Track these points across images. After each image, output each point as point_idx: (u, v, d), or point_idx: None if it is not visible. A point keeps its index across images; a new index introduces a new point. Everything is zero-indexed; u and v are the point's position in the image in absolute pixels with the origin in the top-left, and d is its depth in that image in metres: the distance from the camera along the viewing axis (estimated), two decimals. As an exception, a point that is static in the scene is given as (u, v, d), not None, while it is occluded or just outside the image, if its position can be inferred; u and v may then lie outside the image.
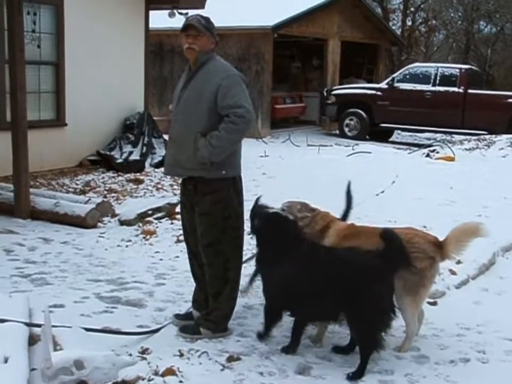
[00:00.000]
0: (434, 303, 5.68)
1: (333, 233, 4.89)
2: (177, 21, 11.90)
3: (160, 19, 14.55)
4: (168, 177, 10.44)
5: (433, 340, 4.97)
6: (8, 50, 8.52)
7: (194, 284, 5.21)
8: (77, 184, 10.54)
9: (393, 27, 33.81)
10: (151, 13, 13.18)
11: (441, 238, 4.82)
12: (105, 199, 9.15)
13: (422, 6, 37.36)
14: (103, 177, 11.17)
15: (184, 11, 13.03)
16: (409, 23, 37.14)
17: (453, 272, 6.31)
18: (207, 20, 4.86)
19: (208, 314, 4.92)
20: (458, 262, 6.47)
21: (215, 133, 4.64)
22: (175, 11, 13.57)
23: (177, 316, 5.17)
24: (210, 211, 4.81)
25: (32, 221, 8.41)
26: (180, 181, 5.19)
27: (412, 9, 37.23)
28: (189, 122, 4.77)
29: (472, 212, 8.32)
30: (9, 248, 7.17)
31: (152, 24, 13.44)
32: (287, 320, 5.08)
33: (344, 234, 4.90)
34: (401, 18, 36.97)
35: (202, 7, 12.77)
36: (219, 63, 4.87)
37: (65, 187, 10.29)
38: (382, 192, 9.74)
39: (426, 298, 5.02)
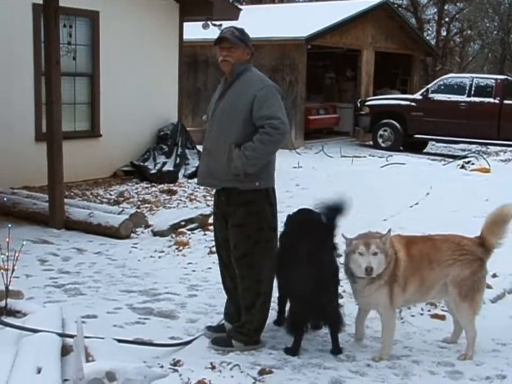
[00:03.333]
0: (469, 318, 5.58)
1: (399, 246, 4.81)
2: (211, 32, 11.95)
3: (194, 30, 14.62)
4: (202, 188, 10.48)
5: (469, 355, 4.89)
6: (45, 63, 8.61)
7: (226, 296, 5.20)
8: (110, 195, 10.61)
9: (428, 37, 33.71)
10: (185, 24, 13.26)
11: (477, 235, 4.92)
12: (138, 210, 9.20)
13: (457, 16, 37.15)
14: (136, 188, 11.23)
15: (218, 22, 13.07)
16: (444, 33, 36.97)
17: (488, 286, 6.18)
18: (241, 31, 4.86)
19: (240, 326, 4.89)
20: (494, 276, 6.38)
21: (250, 144, 4.62)
22: (209, 22, 13.63)
23: (209, 328, 5.15)
24: (243, 223, 4.79)
25: (66, 231, 8.49)
26: (213, 192, 5.19)
27: (447, 19, 37.04)
28: (224, 132, 4.76)
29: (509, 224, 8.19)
30: (43, 258, 7.24)
31: (186, 36, 13.52)
32: (320, 334, 5.06)
33: (405, 242, 4.86)
34: (436, 28, 36.81)
35: (236, 18, 12.81)
36: (255, 74, 4.85)
37: (99, 197, 10.36)
38: (416, 204, 9.66)
39: (481, 302, 5.00)
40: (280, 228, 5.14)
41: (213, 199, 5.18)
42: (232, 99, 4.77)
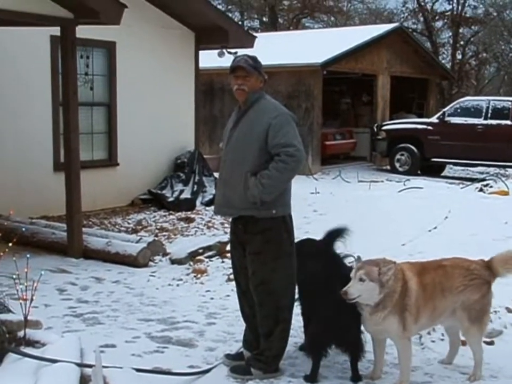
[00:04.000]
0: (491, 343, 5.51)
1: (410, 275, 4.72)
2: (227, 60, 11.97)
3: (210, 58, 14.73)
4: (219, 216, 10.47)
5: (491, 381, 4.81)
6: (62, 93, 8.70)
7: (244, 324, 5.17)
8: (128, 223, 10.63)
9: (443, 61, 33.70)
10: (201, 52, 13.37)
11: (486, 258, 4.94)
12: (156, 238, 9.20)
13: (472, 39, 37.14)
14: (154, 216, 11.26)
15: (233, 50, 13.16)
16: (459, 57, 36.94)
17: (509, 310, 6.13)
18: (254, 59, 4.90)
19: (259, 354, 4.86)
20: (515, 300, 6.31)
21: (266, 172, 4.63)
22: (224, 50, 13.72)
23: (228, 356, 5.12)
24: (261, 250, 4.78)
25: (84, 260, 8.51)
26: (230, 219, 5.20)
27: (462, 42, 37.05)
28: (239, 161, 4.77)
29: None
30: (62, 287, 7.25)
31: (202, 64, 13.62)
32: (340, 361, 5.02)
33: (416, 271, 4.80)
34: (451, 52, 36.79)
35: (251, 46, 12.88)
36: (269, 102, 4.88)
37: (117, 226, 10.39)
38: (435, 228, 9.60)
39: (488, 323, 5.03)
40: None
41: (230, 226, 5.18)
42: (246, 127, 4.79)
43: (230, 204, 4.86)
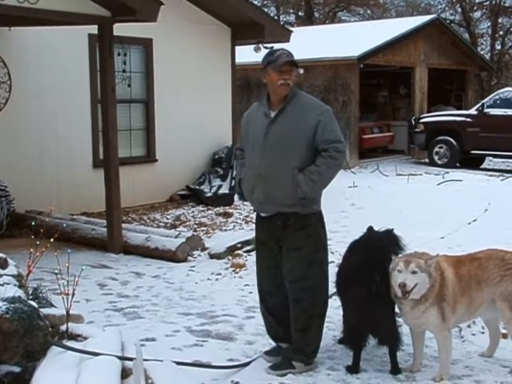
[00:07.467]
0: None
1: (446, 266, 4.73)
2: (263, 55, 12.03)
3: (246, 54, 14.74)
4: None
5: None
6: (100, 90, 8.80)
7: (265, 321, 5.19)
8: (167, 219, 10.71)
9: (482, 52, 33.20)
10: (237, 48, 13.40)
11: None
12: (195, 233, 9.26)
13: (511, 29, 36.57)
14: (193, 211, 11.32)
15: (269, 45, 13.15)
16: (499, 47, 36.38)
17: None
18: (291, 53, 4.90)
19: (299, 350, 4.84)
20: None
21: (315, 168, 4.63)
22: (260, 45, 13.72)
23: (267, 353, 5.09)
24: (302, 246, 4.78)
25: (124, 256, 8.60)
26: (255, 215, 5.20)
27: (501, 33, 36.47)
28: (284, 158, 4.69)
29: None
30: (103, 282, 7.35)
31: (239, 59, 13.65)
32: (379, 355, 5.01)
33: (451, 263, 4.79)
34: (490, 42, 36.25)
35: (287, 40, 12.88)
36: (308, 97, 4.88)
37: (156, 222, 10.48)
38: (474, 220, 9.53)
39: None
40: (335, 247, 5.14)
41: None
42: (289, 123, 4.71)
43: (273, 201, 4.78)
